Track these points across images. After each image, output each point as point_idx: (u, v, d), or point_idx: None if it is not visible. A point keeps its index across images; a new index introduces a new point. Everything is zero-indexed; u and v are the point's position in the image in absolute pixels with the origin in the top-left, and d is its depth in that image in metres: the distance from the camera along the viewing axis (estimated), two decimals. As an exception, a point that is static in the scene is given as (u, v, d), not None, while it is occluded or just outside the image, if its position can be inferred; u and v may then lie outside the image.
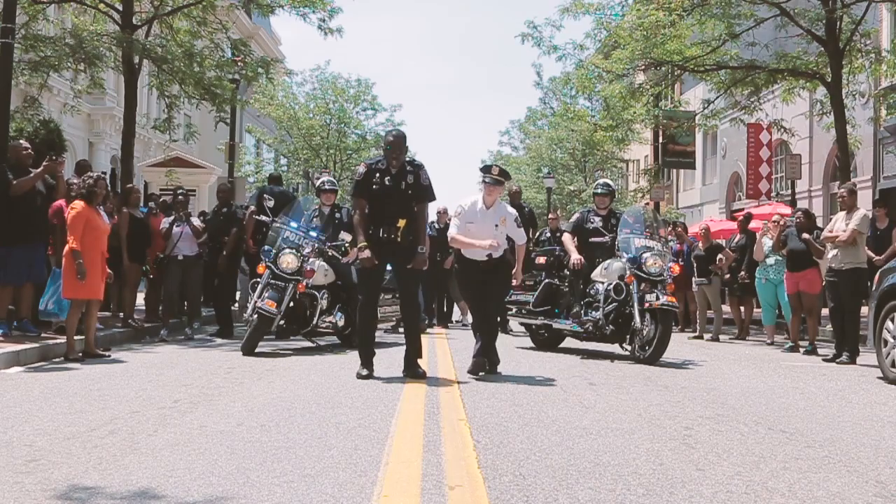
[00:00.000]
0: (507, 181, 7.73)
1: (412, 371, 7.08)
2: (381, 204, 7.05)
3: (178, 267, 10.59)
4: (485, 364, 7.44)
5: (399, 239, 7.06)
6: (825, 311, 10.50)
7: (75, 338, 8.11)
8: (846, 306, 9.37)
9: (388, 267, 10.92)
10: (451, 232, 7.63)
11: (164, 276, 10.74)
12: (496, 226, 7.46)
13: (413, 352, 7.18)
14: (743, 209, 25.59)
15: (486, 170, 7.64)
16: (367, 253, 6.90)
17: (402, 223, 7.04)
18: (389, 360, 8.46)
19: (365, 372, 6.98)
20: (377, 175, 7.06)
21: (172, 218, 10.79)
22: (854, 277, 9.31)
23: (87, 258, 8.02)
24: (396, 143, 7.09)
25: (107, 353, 8.33)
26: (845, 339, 9.42)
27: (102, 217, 8.52)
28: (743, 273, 12.53)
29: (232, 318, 11.32)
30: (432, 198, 7.24)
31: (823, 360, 9.63)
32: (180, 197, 11.46)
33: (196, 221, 11.09)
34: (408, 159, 7.28)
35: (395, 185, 7.03)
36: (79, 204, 8.15)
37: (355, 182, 7.26)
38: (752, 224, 14.04)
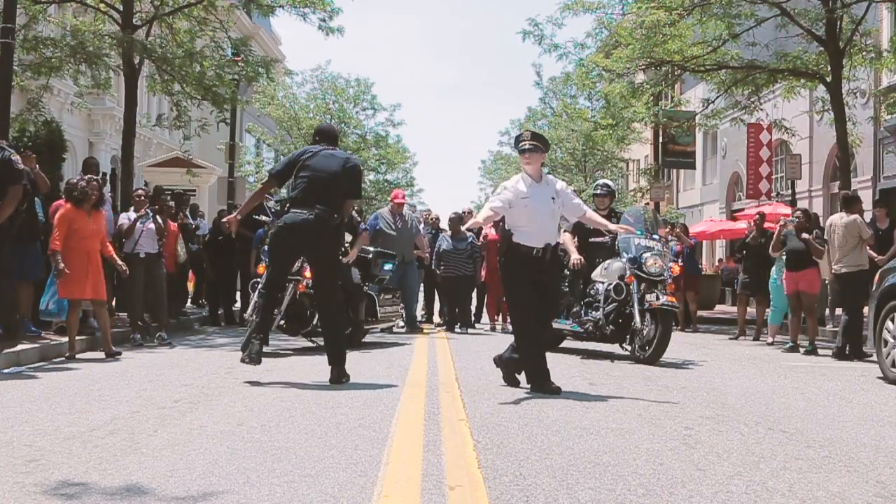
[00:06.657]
0: (546, 149, 6.55)
1: (335, 375, 6.53)
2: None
3: (141, 265, 9.80)
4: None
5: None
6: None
7: (76, 338, 8.16)
8: (847, 307, 9.42)
9: (388, 266, 11.05)
10: (484, 212, 6.49)
11: (127, 275, 9.63)
12: (553, 199, 6.40)
13: (333, 353, 6.65)
14: (743, 209, 25.65)
15: (518, 139, 6.55)
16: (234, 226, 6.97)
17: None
18: (389, 360, 8.46)
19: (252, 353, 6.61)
20: None
21: (136, 214, 10.02)
22: (860, 279, 9.39)
23: (71, 259, 8.06)
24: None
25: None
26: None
27: (93, 219, 8.46)
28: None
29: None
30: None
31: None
32: (140, 192, 10.75)
33: (160, 219, 10.22)
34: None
35: None
36: (66, 205, 8.20)
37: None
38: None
